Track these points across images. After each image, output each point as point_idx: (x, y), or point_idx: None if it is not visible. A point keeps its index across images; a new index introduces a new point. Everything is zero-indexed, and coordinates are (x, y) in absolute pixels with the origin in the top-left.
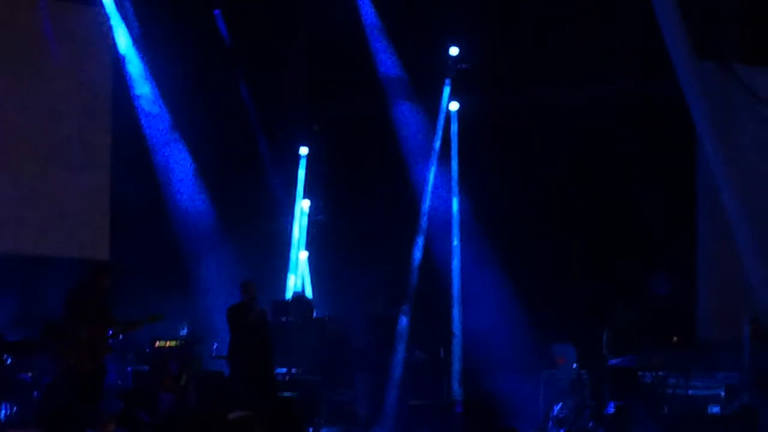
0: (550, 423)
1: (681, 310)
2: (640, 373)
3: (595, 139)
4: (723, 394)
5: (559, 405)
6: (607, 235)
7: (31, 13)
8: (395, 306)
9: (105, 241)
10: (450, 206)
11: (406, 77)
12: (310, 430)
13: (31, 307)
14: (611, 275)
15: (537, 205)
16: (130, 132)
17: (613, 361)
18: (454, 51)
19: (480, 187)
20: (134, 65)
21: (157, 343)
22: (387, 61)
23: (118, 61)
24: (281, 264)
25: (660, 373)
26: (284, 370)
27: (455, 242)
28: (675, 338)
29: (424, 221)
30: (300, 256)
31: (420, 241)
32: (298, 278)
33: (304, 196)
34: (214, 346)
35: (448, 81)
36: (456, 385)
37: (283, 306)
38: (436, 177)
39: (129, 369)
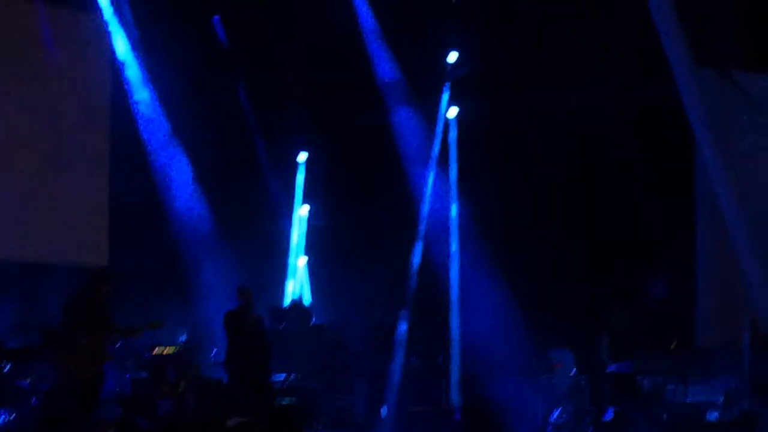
0: (549, 428)
1: (679, 315)
2: (638, 378)
3: (594, 144)
4: (722, 400)
5: (558, 410)
6: (606, 239)
7: (30, 18)
8: (394, 312)
9: (104, 246)
10: (449, 211)
11: (405, 82)
12: None
13: (31, 314)
14: (609, 280)
15: (535, 211)
16: (129, 137)
17: (612, 367)
18: (453, 56)
19: (478, 193)
20: (133, 70)
21: (155, 350)
22: (386, 66)
23: (116, 67)
24: (280, 269)
25: (659, 379)
26: (283, 376)
27: (454, 247)
28: (674, 343)
29: (422, 226)
30: (299, 261)
31: (419, 246)
32: (297, 284)
33: (303, 202)
34: (213, 352)
35: (447, 86)
36: (455, 391)
37: (282, 313)
38: (434, 182)
39: (128, 376)
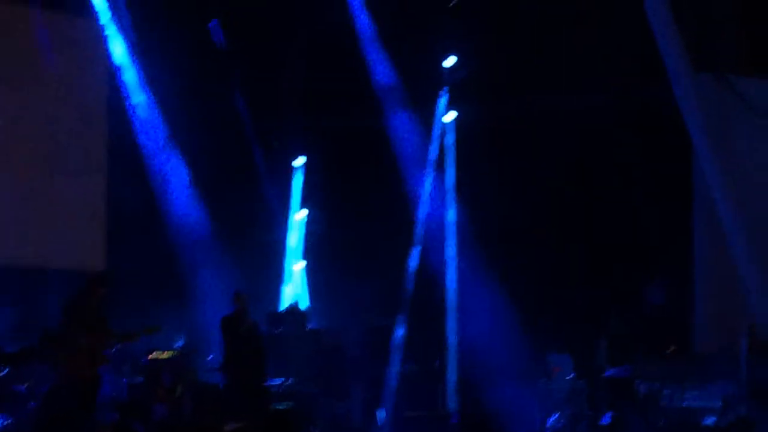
0: None
1: (677, 320)
2: (636, 383)
3: (592, 148)
4: (719, 405)
5: (556, 415)
6: (603, 244)
7: (28, 24)
8: (390, 316)
9: (101, 250)
10: (446, 216)
11: (402, 87)
12: None
13: (29, 318)
14: (607, 284)
15: (533, 215)
16: (126, 141)
17: (609, 372)
18: (450, 60)
19: (476, 197)
20: (130, 74)
21: (152, 355)
22: (383, 70)
23: (113, 71)
24: (277, 274)
25: (656, 384)
26: (280, 380)
27: (451, 252)
28: (671, 348)
29: (419, 231)
30: (295, 266)
31: (416, 250)
32: (294, 288)
33: (300, 207)
34: (209, 357)
35: (444, 90)
36: (452, 396)
37: (278, 317)
38: (432, 186)
39: (124, 380)
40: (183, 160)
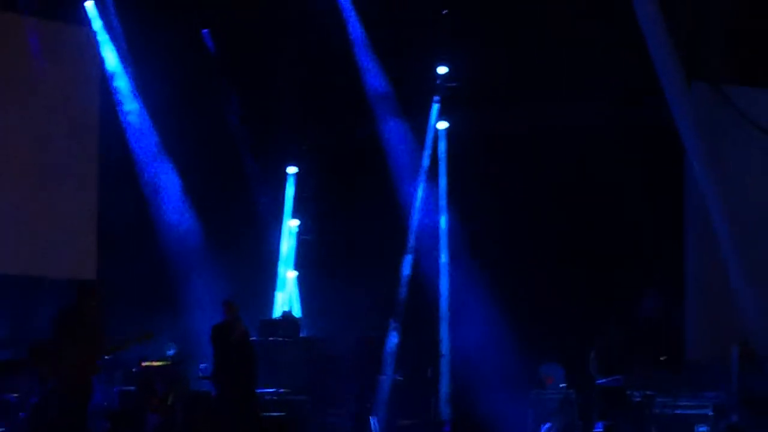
0: None
1: (669, 330)
2: (628, 392)
3: (584, 157)
4: (711, 413)
5: (548, 425)
6: (596, 254)
7: (18, 31)
8: (383, 325)
9: (92, 260)
10: (438, 224)
11: (394, 95)
12: None
13: (20, 327)
14: (600, 294)
15: (525, 223)
16: (118, 149)
17: (601, 381)
18: (442, 69)
19: (468, 205)
20: (122, 82)
21: (144, 363)
22: (375, 78)
23: (105, 79)
24: (269, 282)
25: (648, 393)
26: (272, 389)
27: (443, 260)
28: (663, 357)
29: (412, 239)
30: (288, 275)
31: (408, 259)
32: (287, 296)
33: (293, 215)
34: (201, 367)
35: (436, 99)
36: (444, 405)
37: (271, 325)
38: (424, 194)
39: (116, 389)
40: (175, 169)
